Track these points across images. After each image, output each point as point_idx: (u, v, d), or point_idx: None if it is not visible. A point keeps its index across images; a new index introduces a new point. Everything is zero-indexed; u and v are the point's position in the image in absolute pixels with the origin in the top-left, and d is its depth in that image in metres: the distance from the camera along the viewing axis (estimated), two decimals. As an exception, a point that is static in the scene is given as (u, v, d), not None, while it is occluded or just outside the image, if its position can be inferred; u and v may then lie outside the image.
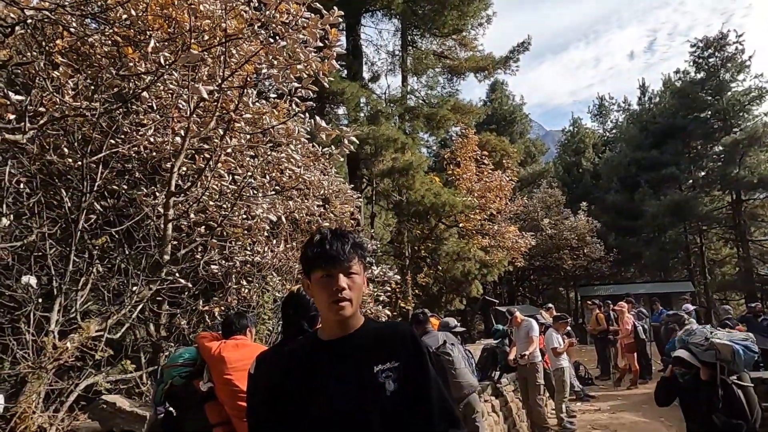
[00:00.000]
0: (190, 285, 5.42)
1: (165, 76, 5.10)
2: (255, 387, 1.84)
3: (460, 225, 16.46)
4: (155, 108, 5.41)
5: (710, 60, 28.96)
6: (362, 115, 16.25)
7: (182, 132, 5.31)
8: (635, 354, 11.20)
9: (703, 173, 30.52)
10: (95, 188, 5.23)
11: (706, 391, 4.21)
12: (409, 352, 1.71)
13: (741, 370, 4.29)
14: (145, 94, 4.67)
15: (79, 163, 5.07)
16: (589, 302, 14.42)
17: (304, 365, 1.70)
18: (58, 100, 4.54)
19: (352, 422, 1.59)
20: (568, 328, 9.18)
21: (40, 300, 4.99)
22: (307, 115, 5.85)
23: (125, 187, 6.07)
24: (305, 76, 5.59)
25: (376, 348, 1.70)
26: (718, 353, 4.19)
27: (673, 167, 29.28)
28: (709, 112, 29.27)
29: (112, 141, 5.43)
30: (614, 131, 41.15)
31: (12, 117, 4.45)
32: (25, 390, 3.83)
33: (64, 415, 4.43)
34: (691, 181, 30.76)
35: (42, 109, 4.72)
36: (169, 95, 5.45)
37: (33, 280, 4.40)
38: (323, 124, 5.76)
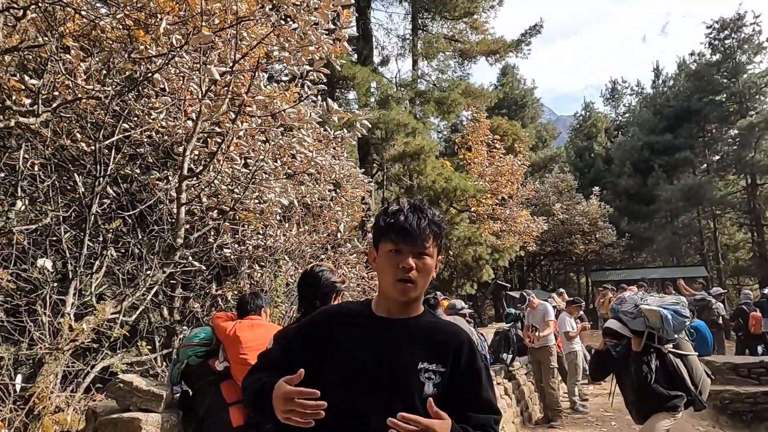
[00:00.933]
0: (203, 268, 5.44)
1: (176, 59, 5.07)
2: (293, 334, 1.75)
3: (472, 209, 16.39)
4: (167, 91, 5.39)
5: (726, 41, 28.47)
6: (373, 99, 16.16)
7: (194, 115, 5.31)
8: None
9: (717, 157, 30.15)
10: (108, 173, 5.25)
11: (636, 362, 3.94)
12: (461, 362, 1.58)
13: (672, 336, 3.98)
14: (157, 76, 4.65)
15: (92, 147, 5.09)
16: (602, 287, 14.36)
17: (348, 330, 1.60)
18: (70, 83, 4.53)
19: (375, 407, 1.47)
20: (581, 312, 9.14)
21: (55, 283, 5.04)
22: (319, 97, 5.80)
23: (138, 171, 6.09)
24: (317, 58, 5.54)
25: (428, 345, 1.58)
26: (646, 320, 3.90)
27: (687, 151, 28.94)
28: (725, 95, 28.84)
29: (125, 125, 5.44)
30: (627, 115, 40.69)
31: (27, 101, 4.45)
32: (42, 371, 3.88)
33: (81, 396, 4.49)
34: (705, 165, 30.42)
35: (56, 93, 4.73)
36: (181, 78, 5.43)
37: (48, 263, 4.43)
38: (335, 106, 5.73)
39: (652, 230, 29.79)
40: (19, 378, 3.66)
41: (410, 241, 1.54)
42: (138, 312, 5.16)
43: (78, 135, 5.50)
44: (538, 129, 34.39)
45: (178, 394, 3.20)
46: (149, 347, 5.43)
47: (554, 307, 8.43)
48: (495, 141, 17.57)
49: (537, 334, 7.12)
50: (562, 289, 10.95)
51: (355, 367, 1.53)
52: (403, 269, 1.52)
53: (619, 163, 32.71)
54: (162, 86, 5.17)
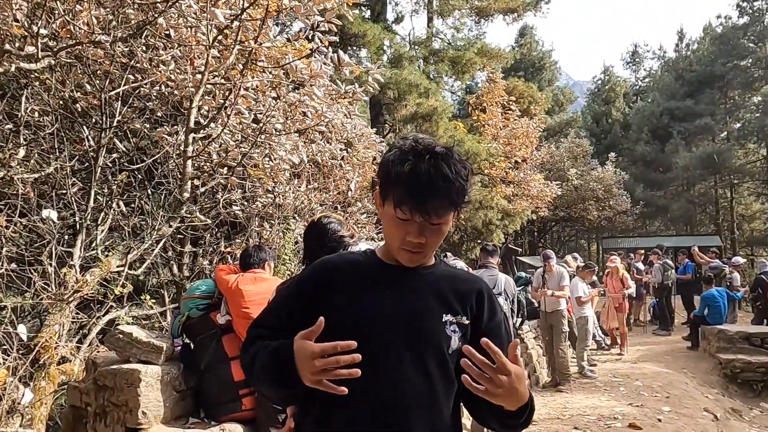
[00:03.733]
0: (209, 221, 5.36)
1: (183, 6, 4.88)
2: (292, 288, 1.48)
3: (485, 172, 16.14)
4: (173, 39, 5.21)
5: (755, 4, 27.41)
6: (385, 58, 15.76)
7: (201, 67, 5.14)
8: (625, 315, 10.26)
9: (738, 124, 29.44)
10: (115, 124, 5.14)
11: None
12: (483, 314, 1.41)
13: None
14: (161, 21, 4.46)
15: (99, 98, 4.96)
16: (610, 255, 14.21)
17: (358, 280, 1.37)
18: (72, 28, 4.37)
19: (407, 360, 1.29)
20: (594, 277, 9.02)
21: (61, 235, 5.00)
22: (330, 49, 5.59)
23: (147, 126, 5.98)
24: (328, 7, 5.32)
25: (448, 295, 1.38)
26: None
27: (707, 118, 28.24)
28: (750, 60, 27.91)
29: (131, 76, 5.29)
30: (647, 80, 39.70)
31: (32, 49, 4.31)
32: (47, 321, 3.85)
33: (88, 348, 4.49)
34: (725, 132, 29.72)
35: (58, 39, 4.57)
36: (188, 28, 5.25)
37: (53, 214, 4.36)
38: (347, 58, 5.51)
39: (667, 198, 29.39)
40: (22, 327, 3.62)
41: (423, 214, 1.26)
42: (144, 266, 5.12)
43: (87, 86, 5.37)
44: (554, 92, 33.65)
45: (179, 347, 3.15)
46: (156, 302, 5.42)
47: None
48: (510, 103, 17.16)
49: (548, 292, 7.05)
50: (576, 254, 10.78)
51: (375, 319, 1.31)
52: (410, 243, 1.29)
53: (636, 129, 32.05)
54: (167, 33, 4.98)
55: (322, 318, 1.20)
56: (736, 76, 27.80)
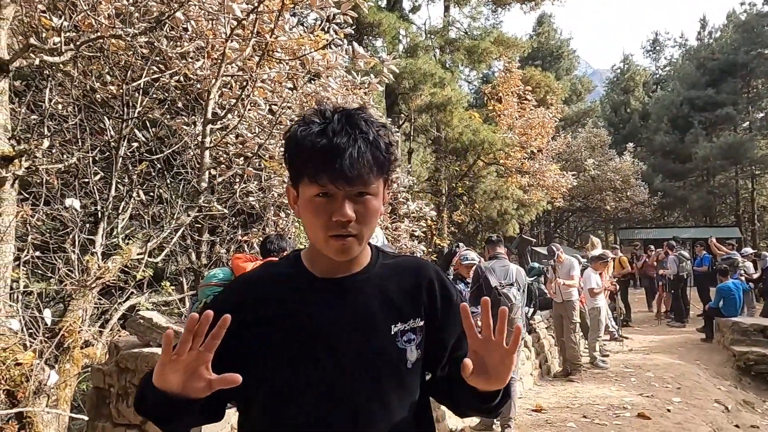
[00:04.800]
0: (226, 211, 5.48)
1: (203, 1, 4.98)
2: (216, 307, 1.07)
3: (500, 162, 16.12)
4: (190, 32, 5.31)
5: (781, -10, 26.71)
6: (400, 47, 15.75)
7: (219, 59, 5.24)
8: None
9: (761, 114, 28.87)
10: (136, 115, 5.27)
11: None
12: (437, 303, 1.21)
13: None
14: (179, 15, 4.56)
15: (121, 90, 5.09)
16: (649, 247, 14.20)
17: (283, 302, 1.14)
18: (94, 22, 4.48)
19: (359, 385, 1.11)
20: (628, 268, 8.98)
21: (84, 223, 5.16)
22: (345, 40, 5.65)
23: (166, 116, 6.12)
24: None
25: (396, 296, 1.17)
26: None
27: (729, 107, 27.70)
28: (774, 48, 27.28)
29: (153, 68, 5.42)
30: (668, 69, 39.05)
31: (56, 39, 4.44)
32: (70, 306, 4.00)
33: (109, 332, 4.65)
34: (747, 122, 29.16)
35: (80, 32, 4.69)
36: (207, 21, 5.34)
37: (76, 203, 4.51)
38: (361, 50, 5.57)
39: (686, 189, 29.00)
40: (47, 312, 3.78)
41: (345, 182, 1.03)
42: (164, 253, 5.27)
43: (108, 77, 5.51)
44: (573, 82, 33.28)
45: (198, 332, 3.27)
46: (174, 288, 5.57)
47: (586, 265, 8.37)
48: (526, 92, 17.06)
49: (559, 281, 7.10)
50: (615, 245, 10.67)
51: (310, 345, 1.10)
52: (338, 222, 1.04)
53: (656, 118, 31.59)
54: (185, 27, 5.08)
55: (237, 376, 0.96)
56: (760, 65, 27.22)
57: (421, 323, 1.18)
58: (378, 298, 1.16)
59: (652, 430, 4.74)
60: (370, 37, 15.68)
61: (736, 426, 5.44)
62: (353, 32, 7.04)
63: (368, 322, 1.13)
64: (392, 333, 1.14)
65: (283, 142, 1.13)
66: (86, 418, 3.62)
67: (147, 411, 1.08)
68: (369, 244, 1.19)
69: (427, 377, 1.25)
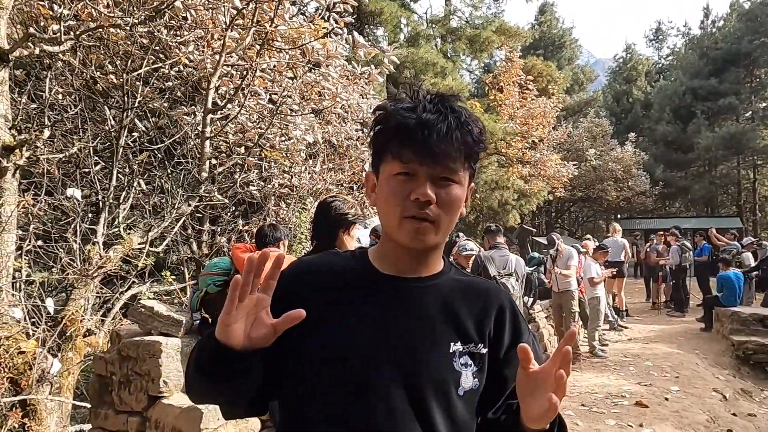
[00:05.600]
0: (227, 201, 5.50)
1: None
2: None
3: (501, 152, 16.10)
4: (189, 21, 5.30)
5: (785, -22, 26.49)
6: (402, 36, 15.69)
7: (219, 48, 5.24)
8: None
9: (764, 104, 28.72)
10: (136, 105, 5.28)
11: None
12: (504, 336, 1.10)
13: None
14: (178, 3, 4.55)
15: (121, 79, 5.09)
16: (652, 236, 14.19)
17: (334, 290, 1.05)
18: (93, 11, 4.48)
19: (404, 414, 0.99)
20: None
21: (88, 214, 5.18)
22: (344, 30, 5.64)
23: (166, 106, 6.12)
24: (344, -13, 5.35)
25: (462, 314, 1.07)
26: None
27: (732, 97, 27.55)
28: (778, 37, 27.09)
29: (152, 57, 5.41)
30: (670, 58, 38.80)
31: (56, 29, 4.44)
32: (72, 295, 4.03)
33: (112, 321, 4.69)
34: (750, 112, 29.02)
35: (80, 22, 4.69)
36: (207, 10, 5.33)
37: (78, 193, 4.53)
38: (362, 40, 5.57)
39: (688, 179, 28.94)
40: (50, 301, 3.81)
41: (430, 159, 0.97)
42: (165, 243, 5.30)
43: (108, 67, 5.51)
44: (575, 71, 33.10)
45: (198, 321, 3.31)
46: (176, 278, 5.60)
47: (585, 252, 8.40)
48: (528, 82, 17.01)
49: (556, 269, 7.15)
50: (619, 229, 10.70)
51: (359, 346, 1.00)
52: (417, 202, 0.97)
53: (658, 108, 31.44)
54: (184, 15, 5.07)
55: (301, 311, 0.90)
56: (763, 54, 27.04)
57: (484, 351, 1.06)
58: (442, 310, 1.06)
59: (650, 418, 4.78)
60: (371, 26, 15.61)
61: (734, 414, 5.48)
62: (354, 21, 7.04)
63: (426, 332, 1.03)
64: (450, 351, 1.03)
65: (372, 119, 1.06)
66: (89, 405, 3.66)
67: (205, 368, 0.97)
68: (443, 257, 1.13)
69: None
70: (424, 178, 0.98)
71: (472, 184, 1.09)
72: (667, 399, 5.41)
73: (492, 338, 1.08)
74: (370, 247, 1.17)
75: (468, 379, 1.03)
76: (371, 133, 1.07)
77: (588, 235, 11.39)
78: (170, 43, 5.33)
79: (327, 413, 1.00)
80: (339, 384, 0.99)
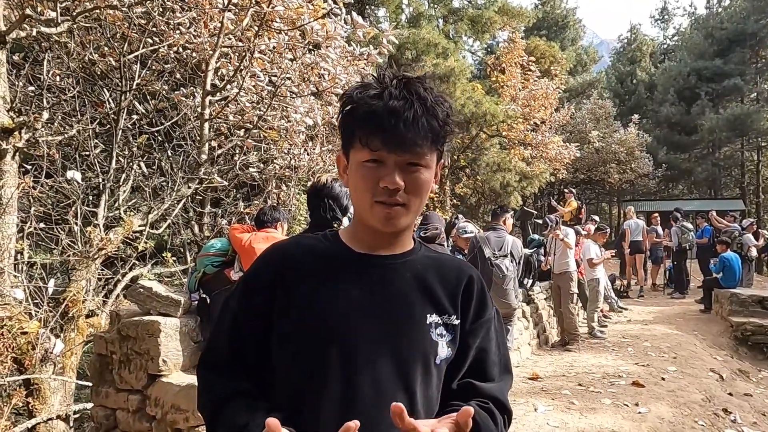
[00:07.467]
0: (226, 183, 5.52)
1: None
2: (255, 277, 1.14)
3: (503, 134, 16.02)
4: (189, 3, 5.27)
5: (793, -44, 26.03)
6: (403, 17, 15.54)
7: (216, 30, 5.21)
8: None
9: (769, 85, 28.43)
10: (134, 87, 5.26)
11: None
12: (471, 308, 1.15)
13: None
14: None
15: (118, 61, 5.08)
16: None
17: (312, 272, 1.09)
18: (89, -8, 4.46)
19: (390, 384, 1.04)
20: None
21: (89, 196, 5.21)
22: (343, 10, 5.59)
23: (165, 88, 6.11)
24: (342, -32, 5.30)
25: (436, 287, 1.12)
26: None
27: (737, 78, 27.27)
28: (785, 17, 26.72)
29: (149, 40, 5.39)
30: (676, 39, 38.35)
31: (52, 13, 4.42)
32: (74, 276, 4.07)
33: (113, 302, 4.74)
34: (755, 93, 28.74)
35: (84, 4, 4.66)
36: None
37: (78, 175, 4.54)
38: (360, 20, 5.52)
39: (691, 161, 28.79)
40: (51, 282, 3.85)
41: (397, 147, 1.00)
42: (165, 225, 5.33)
43: (105, 49, 5.49)
44: (578, 52, 32.73)
45: (196, 301, 3.35)
46: (177, 260, 5.64)
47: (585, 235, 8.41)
48: (530, 63, 16.85)
49: (558, 233, 7.15)
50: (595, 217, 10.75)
51: (342, 324, 1.05)
52: (386, 189, 1.01)
53: (662, 90, 31.14)
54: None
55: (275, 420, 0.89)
56: (769, 34, 26.74)
57: (457, 322, 1.12)
58: (418, 284, 1.11)
59: (646, 398, 4.83)
60: (373, 6, 15.47)
61: (730, 394, 5.53)
62: (354, 1, 6.98)
63: (404, 305, 1.08)
64: (427, 323, 1.08)
65: (338, 105, 1.11)
66: (91, 384, 3.72)
67: None
68: (413, 238, 1.19)
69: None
70: (393, 165, 1.01)
71: (442, 161, 1.13)
72: (663, 379, 5.47)
73: (462, 310, 1.14)
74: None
75: (444, 349, 1.09)
76: (338, 118, 1.09)
77: (594, 216, 11.35)
78: (168, 22, 5.30)
79: (316, 389, 1.04)
80: (329, 361, 1.03)
